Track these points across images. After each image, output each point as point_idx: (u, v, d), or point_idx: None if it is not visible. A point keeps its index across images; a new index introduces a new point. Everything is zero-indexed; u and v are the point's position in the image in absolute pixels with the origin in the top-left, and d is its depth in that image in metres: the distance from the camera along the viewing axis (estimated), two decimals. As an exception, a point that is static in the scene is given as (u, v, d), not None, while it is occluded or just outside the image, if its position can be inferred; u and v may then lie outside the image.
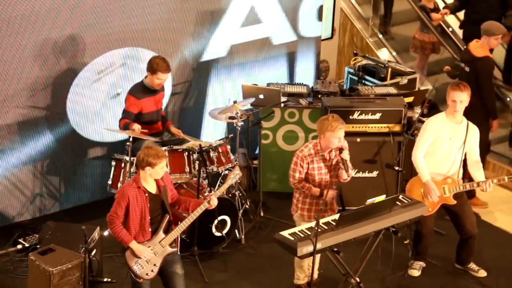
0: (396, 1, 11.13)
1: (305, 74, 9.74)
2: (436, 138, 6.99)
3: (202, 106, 9.03)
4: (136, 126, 7.56)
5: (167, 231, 6.14)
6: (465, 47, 8.67)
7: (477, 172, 7.06)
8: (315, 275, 7.02)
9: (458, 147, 7.00)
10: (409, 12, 10.93)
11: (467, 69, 8.33)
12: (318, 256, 6.83)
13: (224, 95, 9.12)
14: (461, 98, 6.91)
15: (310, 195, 6.65)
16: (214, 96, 9.08)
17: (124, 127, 7.65)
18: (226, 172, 8.06)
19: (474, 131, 7.04)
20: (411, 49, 10.66)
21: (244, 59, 9.15)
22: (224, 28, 8.80)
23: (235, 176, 6.45)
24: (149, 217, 6.06)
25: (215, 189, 7.37)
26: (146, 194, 6.05)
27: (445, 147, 6.99)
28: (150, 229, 6.09)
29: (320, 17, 9.64)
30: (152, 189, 6.10)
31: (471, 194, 8.42)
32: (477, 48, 8.33)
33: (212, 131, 9.19)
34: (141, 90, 7.76)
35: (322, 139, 6.57)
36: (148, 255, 6.06)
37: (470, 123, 7.03)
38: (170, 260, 6.19)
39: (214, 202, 6.20)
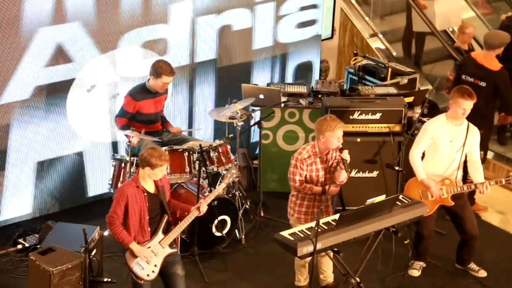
0: (427, 40, 11.01)
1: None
2: (435, 140, 6.99)
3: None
4: (134, 140, 7.59)
5: (166, 232, 6.14)
6: (471, 61, 8.40)
7: (476, 173, 7.05)
8: (331, 278, 7.00)
9: (458, 148, 7.00)
10: (440, 50, 10.80)
11: (482, 84, 8.19)
12: (330, 260, 6.82)
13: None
14: (470, 107, 6.90)
15: (308, 198, 6.63)
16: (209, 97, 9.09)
17: (122, 127, 7.66)
18: (226, 172, 8.06)
19: (475, 133, 7.03)
20: (444, 90, 10.20)
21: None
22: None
23: (231, 175, 6.44)
24: (147, 217, 6.06)
25: (207, 194, 7.37)
26: (145, 194, 6.04)
27: (445, 149, 6.99)
28: (149, 229, 6.09)
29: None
30: (151, 188, 6.10)
31: (471, 202, 8.40)
32: (491, 61, 8.23)
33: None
34: (141, 91, 7.76)
35: (320, 140, 6.55)
36: (148, 256, 6.06)
37: (470, 124, 7.02)
38: (171, 261, 6.18)
39: (203, 209, 6.17)
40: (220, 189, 6.39)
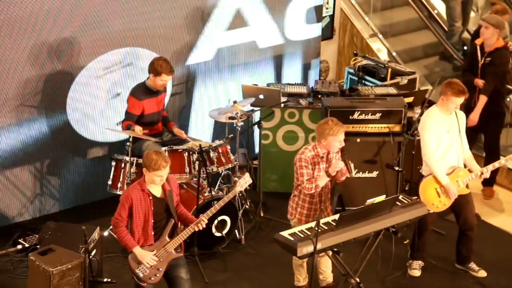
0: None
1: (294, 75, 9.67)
2: (436, 135, 6.99)
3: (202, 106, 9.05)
4: (138, 128, 7.57)
5: (172, 236, 6.11)
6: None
7: (472, 161, 7.14)
8: (330, 278, 7.00)
9: (456, 136, 7.04)
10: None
11: None
12: (328, 260, 6.82)
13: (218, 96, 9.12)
14: (462, 101, 7.00)
15: (308, 201, 6.62)
16: (210, 97, 9.09)
17: (127, 128, 7.65)
18: (226, 172, 8.06)
19: (463, 116, 7.14)
20: None
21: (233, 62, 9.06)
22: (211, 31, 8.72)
23: (245, 183, 6.35)
24: (152, 221, 6.04)
25: (207, 194, 7.38)
26: (150, 197, 6.02)
27: (446, 141, 7.01)
28: (152, 233, 6.06)
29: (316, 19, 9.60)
30: (157, 192, 6.07)
31: (492, 182, 8.86)
32: None
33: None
34: (143, 91, 7.76)
35: (322, 143, 6.52)
36: (151, 261, 6.03)
37: (456, 110, 7.07)
38: (175, 264, 6.14)
39: (203, 224, 6.12)
40: (231, 196, 6.33)
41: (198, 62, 8.83)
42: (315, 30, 9.69)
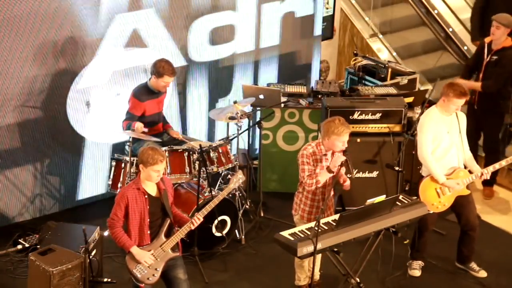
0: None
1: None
2: (435, 136, 6.99)
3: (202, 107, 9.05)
4: (139, 125, 7.57)
5: (168, 235, 6.11)
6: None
7: (473, 162, 7.14)
8: (317, 276, 7.02)
9: (456, 137, 7.04)
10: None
11: None
12: (318, 257, 6.83)
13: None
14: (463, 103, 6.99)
15: (311, 198, 6.63)
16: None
17: (127, 127, 7.65)
18: (226, 172, 8.06)
19: (464, 117, 7.13)
20: None
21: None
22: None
23: (237, 180, 6.37)
24: (148, 220, 6.04)
25: (207, 194, 7.37)
26: (146, 196, 6.02)
27: (446, 141, 7.01)
28: (148, 232, 6.06)
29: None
30: (152, 191, 6.07)
31: (493, 182, 8.85)
32: None
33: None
34: (145, 92, 7.76)
35: (325, 140, 6.53)
36: (149, 261, 6.03)
37: (456, 110, 7.07)
38: (172, 265, 6.14)
39: (197, 222, 6.11)
40: (225, 193, 6.33)
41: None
42: (226, 50, 9.05)
